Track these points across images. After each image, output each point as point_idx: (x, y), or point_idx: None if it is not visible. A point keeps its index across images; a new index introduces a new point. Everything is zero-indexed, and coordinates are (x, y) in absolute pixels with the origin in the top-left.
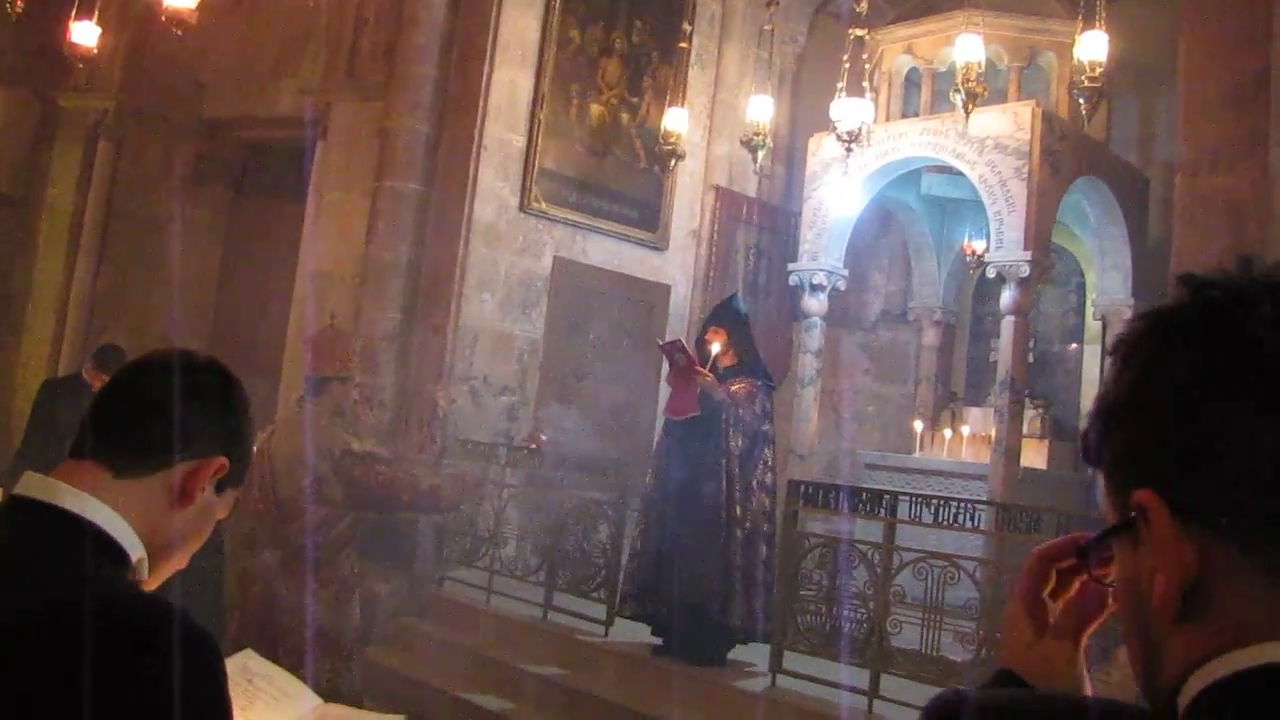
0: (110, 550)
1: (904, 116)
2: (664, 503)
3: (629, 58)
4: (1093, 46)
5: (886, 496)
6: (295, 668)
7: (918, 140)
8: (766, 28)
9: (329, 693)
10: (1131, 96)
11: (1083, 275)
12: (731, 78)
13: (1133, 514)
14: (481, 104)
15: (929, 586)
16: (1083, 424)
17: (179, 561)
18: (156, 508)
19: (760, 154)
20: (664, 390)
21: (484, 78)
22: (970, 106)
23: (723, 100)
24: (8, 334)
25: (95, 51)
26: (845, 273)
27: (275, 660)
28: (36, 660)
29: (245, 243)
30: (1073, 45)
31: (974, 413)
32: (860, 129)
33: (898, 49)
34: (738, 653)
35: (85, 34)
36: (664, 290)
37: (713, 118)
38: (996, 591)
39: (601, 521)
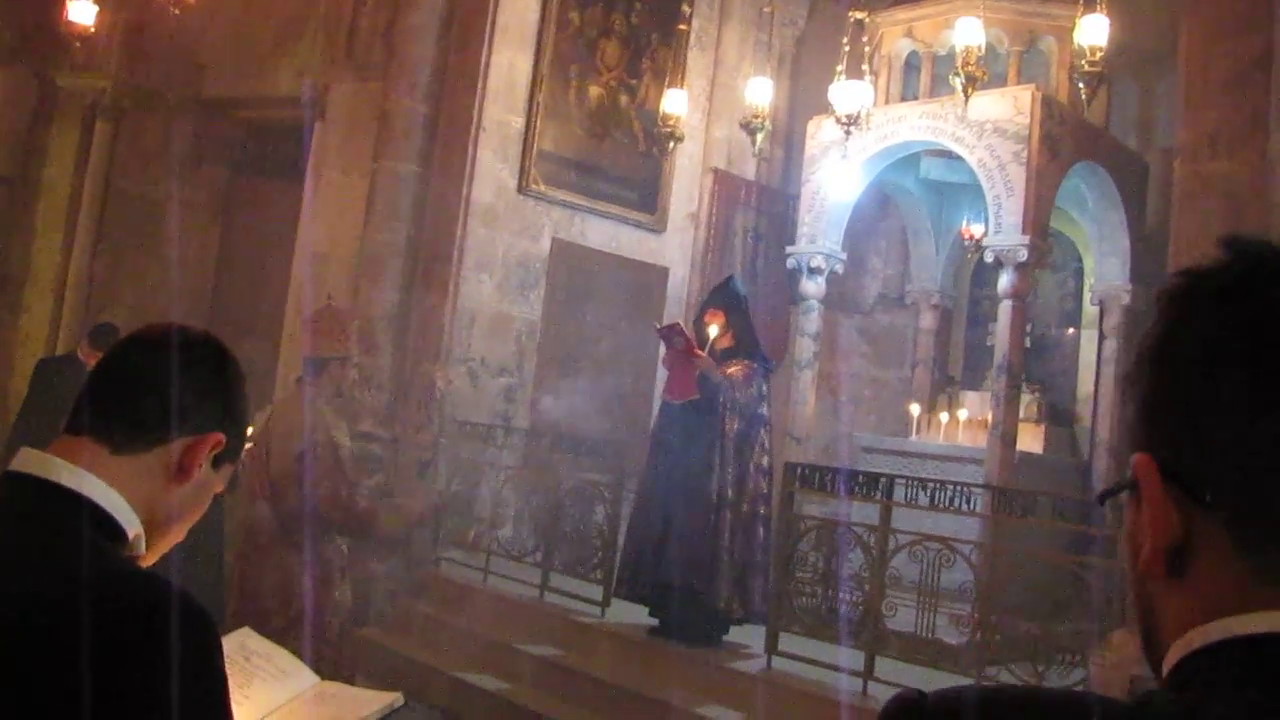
0: (107, 526)
1: (903, 100)
2: (660, 485)
3: (628, 39)
4: (1093, 31)
5: (883, 479)
6: None
7: (917, 124)
8: (766, 10)
9: None
10: (1131, 81)
11: (1081, 260)
12: (731, 60)
13: (1129, 474)
14: (480, 85)
15: (924, 569)
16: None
17: (176, 536)
18: (154, 484)
19: (759, 137)
20: (661, 372)
21: (483, 59)
22: (970, 90)
23: (722, 83)
24: (6, 314)
25: (93, 30)
26: (843, 256)
27: None
28: (33, 637)
29: (243, 223)
30: (1073, 29)
31: (971, 397)
32: (859, 112)
33: (897, 32)
34: (734, 634)
35: (83, 12)
36: (662, 273)
37: (712, 100)
38: (992, 575)
39: (598, 503)
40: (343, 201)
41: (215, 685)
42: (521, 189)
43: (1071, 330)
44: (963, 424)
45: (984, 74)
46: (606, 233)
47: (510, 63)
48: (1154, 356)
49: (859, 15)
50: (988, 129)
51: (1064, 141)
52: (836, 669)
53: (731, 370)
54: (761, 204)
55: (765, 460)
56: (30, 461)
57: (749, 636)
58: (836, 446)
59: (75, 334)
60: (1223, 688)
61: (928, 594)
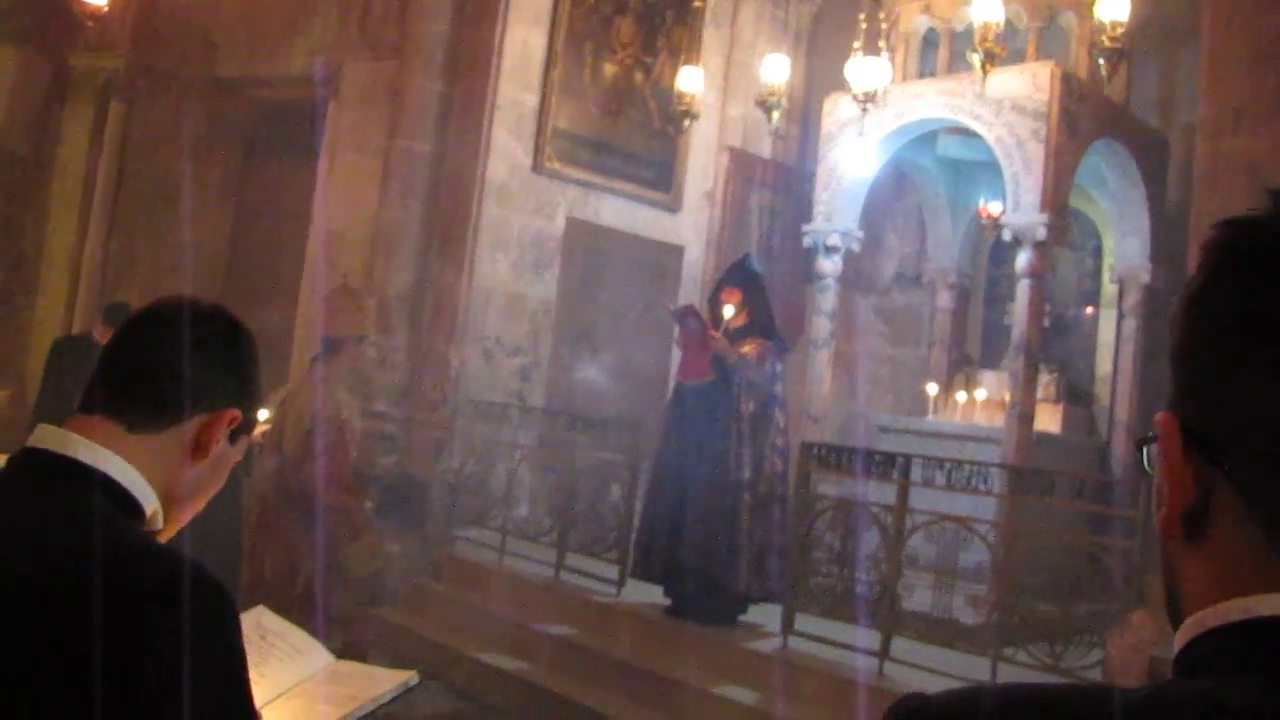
0: (124, 501)
1: (921, 77)
2: (673, 467)
3: (643, 16)
4: (1114, 6)
5: (899, 459)
6: None
7: (934, 101)
8: None
9: None
10: (1152, 57)
11: (1100, 239)
12: (747, 37)
13: (1151, 433)
14: (495, 63)
15: (941, 549)
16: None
17: (194, 510)
18: (170, 461)
19: (775, 115)
20: (677, 351)
21: (497, 36)
22: (988, 67)
23: (737, 60)
24: (21, 295)
25: (105, 9)
26: (860, 235)
27: None
28: (52, 612)
29: (257, 204)
30: (1093, 4)
31: (988, 376)
32: (876, 90)
33: (915, 8)
34: (750, 614)
35: None
36: (677, 251)
37: (727, 78)
38: (1009, 555)
39: (614, 482)
40: (357, 181)
41: (234, 659)
42: (536, 167)
43: (1090, 309)
44: (980, 404)
45: (1002, 50)
46: (621, 211)
47: (525, 40)
48: (1187, 310)
49: None
50: (1006, 106)
51: (1083, 118)
52: (853, 649)
53: (745, 349)
54: (777, 182)
55: (780, 440)
56: (48, 438)
57: (765, 616)
58: (853, 426)
59: (90, 314)
60: (1239, 673)
61: (944, 574)
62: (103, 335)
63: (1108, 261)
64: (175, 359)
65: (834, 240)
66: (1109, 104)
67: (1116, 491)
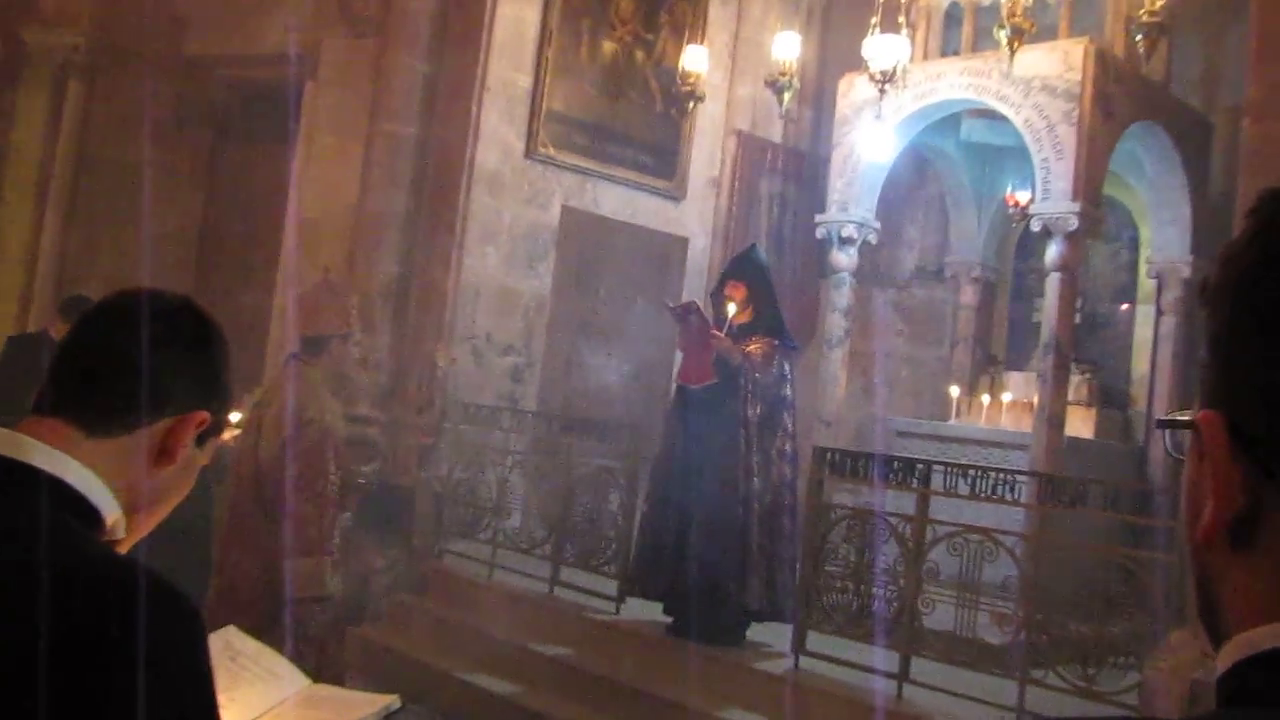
0: (82, 510)
1: (943, 55)
2: (676, 475)
3: None
4: None
5: (920, 466)
6: None
7: (958, 81)
8: None
9: None
10: (1195, 33)
11: (1136, 230)
12: (756, 13)
13: (1193, 420)
14: (484, 41)
15: (964, 563)
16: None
17: (158, 518)
18: (133, 466)
19: (786, 96)
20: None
21: (487, 12)
22: (1016, 44)
23: (746, 37)
24: None
25: None
26: (877, 225)
27: None
28: (2, 627)
29: (229, 192)
30: None
31: (1015, 377)
32: (895, 69)
33: None
34: (757, 632)
35: None
36: (681, 243)
37: (735, 57)
38: (1038, 569)
39: (612, 491)
40: (336, 168)
41: (201, 681)
42: (529, 153)
43: (1125, 306)
44: (1006, 406)
45: (1031, 26)
46: (621, 200)
47: (517, 16)
48: (1236, 290)
49: None
50: (1035, 86)
51: (1119, 100)
52: (869, 670)
53: (751, 348)
54: (789, 169)
55: (789, 446)
56: (1, 441)
57: (774, 635)
58: (869, 431)
59: (47, 310)
60: None
61: (968, 590)
62: (59, 332)
63: (1145, 254)
64: (137, 356)
65: (849, 231)
66: (1147, 84)
67: (1155, 501)
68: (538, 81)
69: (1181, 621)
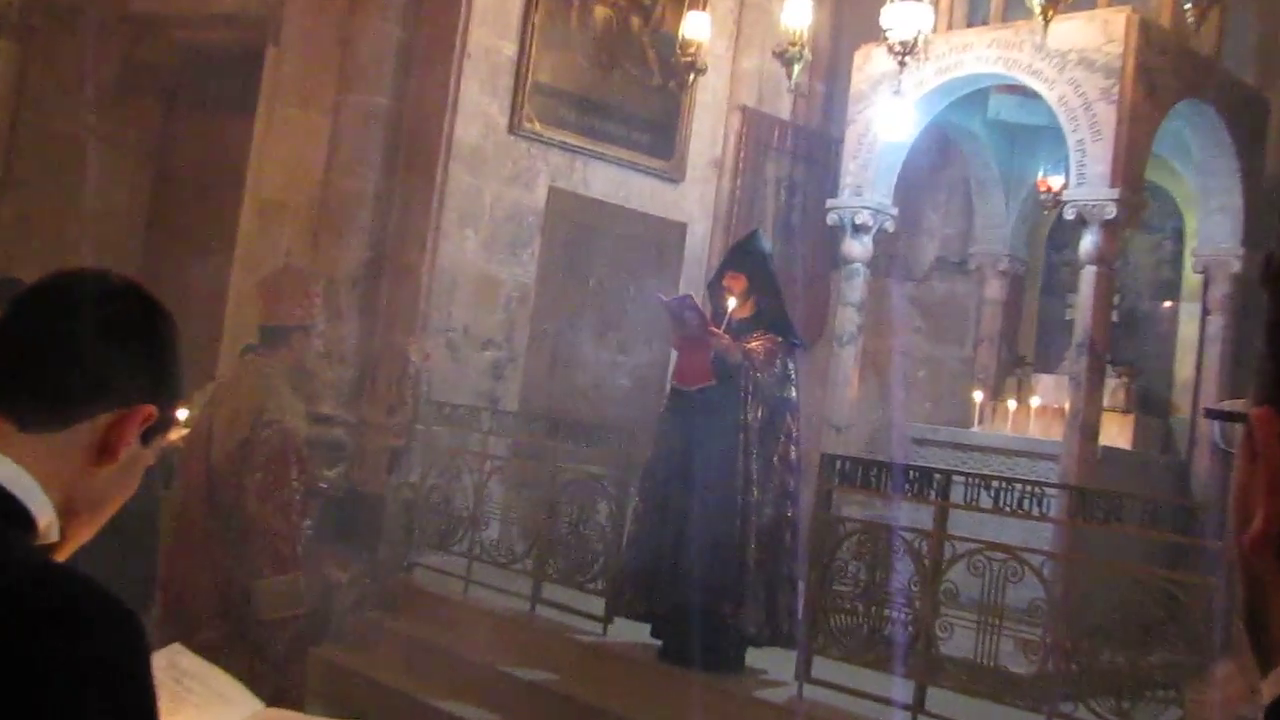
0: (12, 511)
1: (970, 25)
2: (667, 485)
3: None
4: None
5: (938, 476)
6: None
7: (985, 54)
8: None
9: None
10: (1249, 1)
11: (1181, 219)
12: None
13: (1246, 414)
14: (465, 4)
15: (986, 584)
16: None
17: (98, 523)
18: (71, 465)
19: (796, 68)
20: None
21: None
22: (1050, 13)
23: (752, 3)
24: None
25: None
26: (895, 211)
27: None
28: None
29: (180, 166)
30: None
31: (1044, 381)
32: (916, 39)
33: None
34: (756, 658)
35: None
36: (678, 229)
37: (740, 24)
38: (1067, 592)
39: (601, 500)
40: (300, 142)
41: (143, 702)
42: (513, 129)
43: (1168, 303)
44: (1034, 412)
45: None
46: (614, 181)
47: None
48: None
49: None
50: (1071, 60)
51: (1165, 75)
52: (880, 700)
53: (752, 345)
54: (798, 149)
55: (792, 453)
56: None
57: (775, 661)
58: (883, 437)
59: None
60: None
61: (990, 613)
62: None
63: (1190, 246)
64: (76, 344)
65: (864, 218)
66: (1196, 57)
67: (1198, 518)
68: (523, 49)
69: (1227, 651)
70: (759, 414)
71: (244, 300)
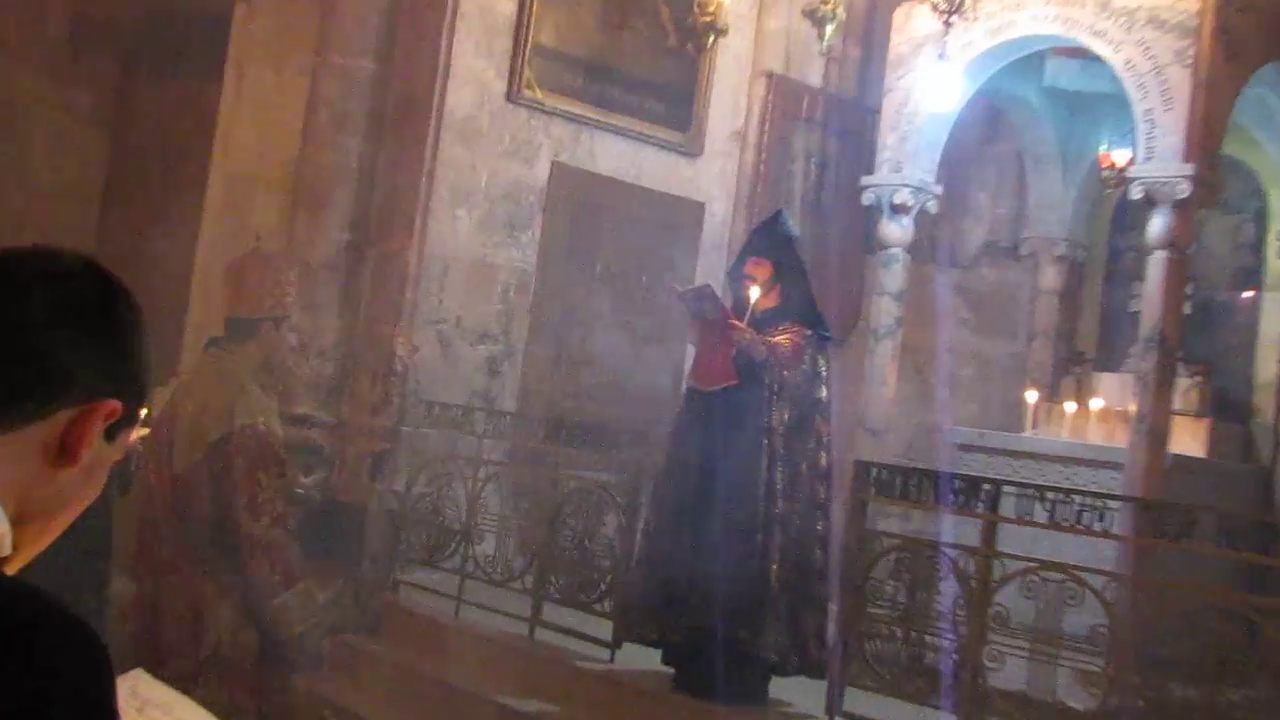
0: None
1: None
2: (682, 496)
3: None
4: None
5: (986, 487)
6: None
7: (1042, 12)
8: None
9: None
10: None
11: (1264, 198)
12: None
13: None
14: None
15: (1041, 608)
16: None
17: (56, 531)
18: (25, 468)
19: (829, 29)
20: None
21: None
22: None
23: None
24: None
25: None
26: (938, 190)
27: None
28: None
29: (139, 135)
30: None
31: (1107, 380)
32: None
33: None
34: (782, 688)
35: None
36: (696, 209)
37: None
38: (1133, 618)
39: (608, 511)
40: (273, 109)
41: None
42: (512, 96)
43: (1249, 293)
44: (1095, 415)
45: None
46: (623, 155)
47: None
48: None
49: None
50: (1140, 19)
51: (1247, 35)
52: None
53: (777, 339)
54: (830, 120)
55: (823, 459)
56: None
57: (803, 692)
58: (924, 442)
59: None
60: None
61: (1045, 641)
62: None
63: (1275, 228)
64: (27, 332)
65: (903, 197)
66: None
67: None
68: (523, 8)
69: None
70: (785, 416)
71: (211, 286)
